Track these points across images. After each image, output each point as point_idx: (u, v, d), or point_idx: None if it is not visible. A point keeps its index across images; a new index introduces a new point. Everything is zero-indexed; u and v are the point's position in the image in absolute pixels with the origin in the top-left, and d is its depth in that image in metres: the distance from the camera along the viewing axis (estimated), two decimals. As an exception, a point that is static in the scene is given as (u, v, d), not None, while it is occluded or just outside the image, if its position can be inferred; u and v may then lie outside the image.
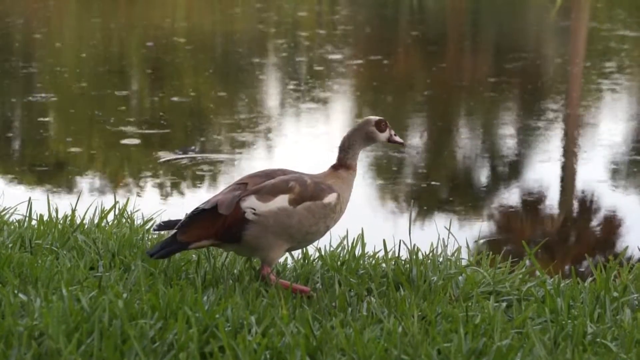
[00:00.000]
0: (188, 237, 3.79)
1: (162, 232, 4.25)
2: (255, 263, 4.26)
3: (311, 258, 4.40)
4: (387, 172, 9.00)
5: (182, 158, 9.20)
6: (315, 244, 4.20)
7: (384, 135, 4.00)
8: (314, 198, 3.83)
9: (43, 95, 12.41)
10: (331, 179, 3.95)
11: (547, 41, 19.56)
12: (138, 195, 8.18)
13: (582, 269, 6.45)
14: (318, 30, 19.71)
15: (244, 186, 3.85)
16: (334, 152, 4.03)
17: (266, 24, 20.31)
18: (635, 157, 9.84)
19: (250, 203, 3.78)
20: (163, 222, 3.91)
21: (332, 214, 3.88)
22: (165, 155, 9.24)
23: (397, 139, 4.04)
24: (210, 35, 18.97)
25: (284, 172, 3.94)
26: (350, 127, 4.11)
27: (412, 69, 15.45)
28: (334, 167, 4.00)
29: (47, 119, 11.25)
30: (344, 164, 3.98)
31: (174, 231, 3.85)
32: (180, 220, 3.86)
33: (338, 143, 4.05)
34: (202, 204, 3.86)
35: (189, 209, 3.90)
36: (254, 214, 3.77)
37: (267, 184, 3.83)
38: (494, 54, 17.62)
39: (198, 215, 3.80)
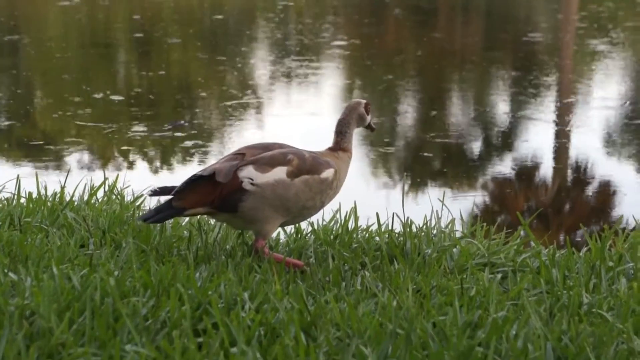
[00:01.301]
0: (184, 203, 3.75)
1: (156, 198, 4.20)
2: (248, 238, 4.22)
3: (304, 232, 4.37)
4: (379, 144, 8.96)
5: (171, 131, 9.14)
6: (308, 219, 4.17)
7: (368, 119, 4.07)
8: (311, 172, 3.82)
9: (29, 69, 12.33)
10: (329, 157, 3.95)
11: (539, 8, 19.49)
12: (128, 168, 8.12)
13: (578, 239, 6.42)
14: (308, 2, 19.60)
15: (241, 156, 3.83)
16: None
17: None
18: (630, 122, 9.81)
19: (248, 173, 3.76)
20: (159, 187, 3.85)
21: (329, 189, 3.87)
22: (157, 129, 9.19)
23: (373, 125, 4.14)
24: (198, 8, 18.86)
25: (281, 145, 3.92)
26: (342, 110, 4.09)
27: (402, 41, 15.37)
28: (331, 149, 4.01)
29: (34, 94, 11.17)
30: (342, 147, 4.00)
31: (169, 197, 3.80)
32: (176, 186, 3.81)
33: (332, 124, 4.04)
34: (200, 171, 3.82)
35: (181, 182, 3.85)
36: (251, 184, 3.75)
37: (265, 155, 3.81)
38: (485, 24, 17.55)
39: (195, 182, 3.76)
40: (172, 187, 3.82)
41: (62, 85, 11.64)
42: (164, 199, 3.99)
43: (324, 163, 3.87)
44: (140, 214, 4.61)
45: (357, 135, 9.12)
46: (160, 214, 3.76)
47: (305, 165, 3.81)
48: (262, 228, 3.82)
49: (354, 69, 13.02)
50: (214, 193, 3.74)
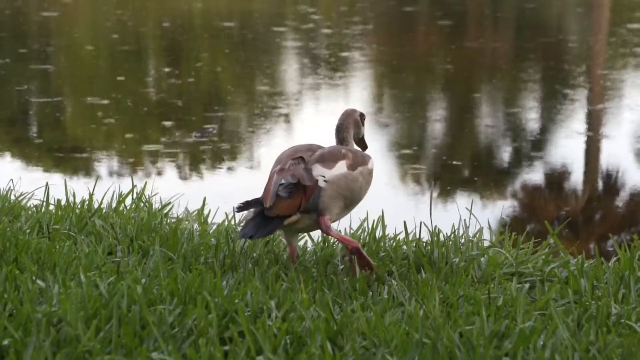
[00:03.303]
0: (277, 211, 3.78)
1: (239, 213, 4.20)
2: (275, 246, 4.23)
3: (331, 240, 4.36)
4: (407, 152, 8.94)
5: (199, 138, 9.17)
6: (336, 224, 4.20)
7: (362, 130, 4.14)
8: (363, 163, 3.97)
9: (58, 76, 12.41)
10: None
11: (570, 16, 19.40)
12: (156, 176, 8.15)
13: (608, 249, 6.38)
14: (336, 8, 19.62)
15: (301, 159, 3.92)
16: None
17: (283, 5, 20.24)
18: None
19: (319, 171, 3.87)
20: (241, 203, 3.85)
21: (371, 180, 4.00)
22: (187, 135, 9.22)
23: (366, 142, 4.19)
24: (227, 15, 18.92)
25: (318, 146, 4.01)
26: (339, 117, 4.10)
27: (431, 49, 15.34)
28: None
29: (63, 101, 11.24)
30: None
31: (255, 209, 3.81)
32: (256, 198, 3.83)
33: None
34: (278, 178, 3.84)
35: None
36: (324, 180, 3.86)
37: (324, 152, 3.93)
38: (514, 32, 17.49)
39: (284, 190, 3.81)
40: (255, 200, 3.83)
41: (90, 93, 11.71)
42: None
43: (366, 155, 4.01)
44: (167, 221, 4.62)
45: (380, 143, 9.10)
46: (264, 228, 3.77)
47: (357, 158, 3.96)
48: (329, 214, 3.90)
49: (382, 77, 13.02)
50: (299, 197, 3.82)
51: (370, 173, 3.98)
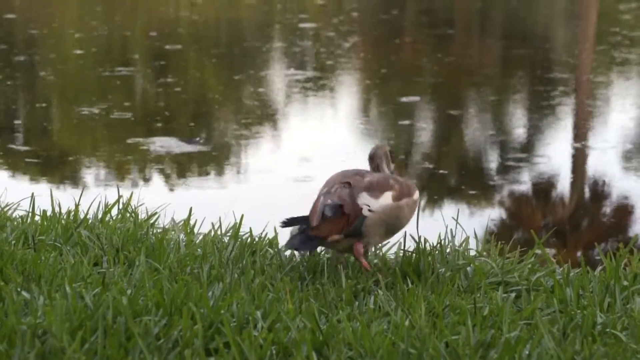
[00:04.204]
0: (319, 232, 3.91)
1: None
2: (261, 256, 4.23)
3: (317, 250, 4.36)
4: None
5: (187, 147, 9.16)
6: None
7: (392, 165, 4.25)
8: (408, 195, 4.07)
9: (44, 85, 12.39)
10: None
11: (557, 25, 19.47)
12: (143, 186, 8.14)
13: (593, 258, 6.39)
14: (325, 17, 19.65)
15: (348, 184, 4.02)
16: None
17: (272, 12, 20.26)
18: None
19: (365, 200, 3.97)
20: (287, 219, 4.00)
21: (415, 209, 4.12)
22: (171, 146, 9.21)
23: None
24: (214, 23, 18.92)
25: (366, 171, 4.13)
26: (370, 150, 4.24)
27: (419, 55, 15.38)
28: None
29: (49, 111, 11.22)
30: None
31: (300, 227, 3.95)
32: (302, 216, 3.97)
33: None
34: (325, 199, 3.97)
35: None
36: (369, 210, 3.97)
37: (372, 181, 4.03)
38: (501, 41, 17.54)
39: (330, 210, 3.94)
40: (301, 217, 3.98)
41: (76, 102, 11.69)
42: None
43: (412, 186, 4.12)
44: (154, 231, 4.61)
45: (366, 152, 9.12)
46: (308, 244, 3.93)
47: (403, 189, 4.06)
48: (370, 242, 4.03)
49: (370, 86, 13.04)
50: (343, 222, 3.94)
51: (415, 203, 4.10)
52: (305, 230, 3.93)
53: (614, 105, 11.61)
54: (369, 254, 4.23)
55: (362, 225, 3.96)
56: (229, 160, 9.02)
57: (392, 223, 4.03)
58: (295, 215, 4.01)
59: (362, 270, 4.06)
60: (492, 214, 7.55)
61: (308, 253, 4.19)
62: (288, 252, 4.41)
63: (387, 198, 4.00)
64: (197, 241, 4.54)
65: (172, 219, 4.95)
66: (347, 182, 4.03)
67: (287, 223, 4.00)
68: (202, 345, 3.15)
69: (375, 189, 4.00)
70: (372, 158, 4.20)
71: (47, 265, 3.88)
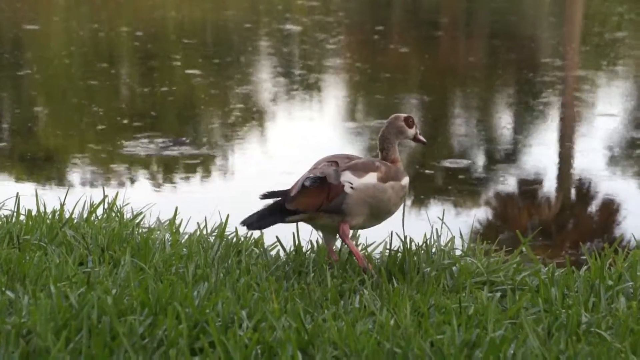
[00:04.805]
0: (297, 205, 3.91)
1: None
2: (247, 257, 4.22)
3: (303, 249, 4.36)
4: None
5: (172, 148, 9.15)
6: (309, 235, 4.25)
7: (411, 132, 4.24)
8: (395, 179, 4.06)
9: (30, 86, 12.35)
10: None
11: (543, 25, 19.52)
12: (128, 186, 8.12)
13: (579, 257, 6.41)
14: (311, 17, 19.64)
15: (335, 164, 4.04)
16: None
17: (257, 13, 20.25)
18: (634, 141, 9.80)
19: (347, 177, 3.98)
20: (267, 192, 3.99)
21: (404, 196, 4.11)
22: (158, 147, 9.19)
23: (422, 138, 4.30)
24: (201, 24, 18.90)
25: (358, 157, 4.13)
26: (382, 126, 4.22)
27: (405, 54, 15.39)
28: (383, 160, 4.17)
29: (35, 111, 11.18)
30: (388, 160, 4.16)
31: (272, 200, 3.94)
32: (282, 190, 3.97)
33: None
34: (308, 173, 3.98)
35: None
36: (351, 187, 3.96)
37: (357, 162, 4.05)
38: (488, 42, 17.58)
39: (310, 181, 3.95)
40: (281, 191, 3.98)
41: (63, 102, 11.66)
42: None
43: (401, 171, 4.11)
44: (139, 231, 4.60)
45: (352, 151, 9.11)
46: (265, 220, 3.91)
47: (390, 172, 4.06)
48: (352, 220, 4.01)
49: (357, 86, 13.04)
50: (322, 196, 3.94)
51: (402, 189, 4.08)
52: (274, 207, 3.91)
53: (599, 105, 11.65)
54: (352, 229, 4.14)
55: (343, 202, 3.95)
56: (214, 161, 9.01)
57: (376, 205, 4.01)
58: (276, 190, 3.99)
59: (354, 257, 4.04)
60: (478, 214, 7.57)
61: (260, 230, 4.10)
62: (274, 252, 4.41)
63: (371, 178, 4.00)
64: (183, 241, 4.54)
65: (158, 219, 4.94)
66: (334, 161, 4.05)
67: (267, 195, 3.98)
68: (187, 344, 3.14)
69: (360, 169, 4.01)
70: (380, 141, 4.18)
71: (31, 265, 3.87)
